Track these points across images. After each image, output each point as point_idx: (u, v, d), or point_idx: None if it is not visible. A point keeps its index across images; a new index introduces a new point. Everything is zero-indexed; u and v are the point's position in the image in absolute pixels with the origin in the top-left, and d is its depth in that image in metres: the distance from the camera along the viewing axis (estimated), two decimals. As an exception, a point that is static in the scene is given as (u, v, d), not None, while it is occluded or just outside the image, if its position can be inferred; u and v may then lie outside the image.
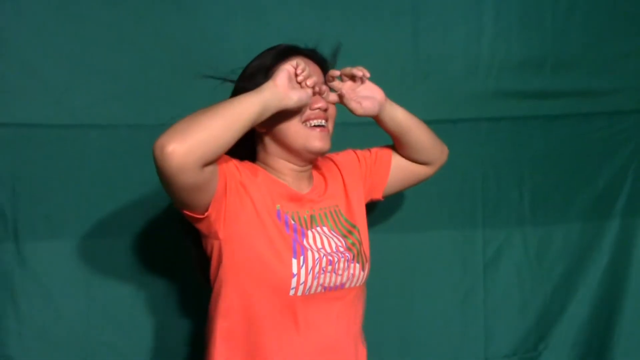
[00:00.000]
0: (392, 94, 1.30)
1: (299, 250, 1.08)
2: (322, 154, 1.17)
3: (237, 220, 1.07)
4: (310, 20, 1.55)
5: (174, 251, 1.43)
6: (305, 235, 1.11)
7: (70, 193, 1.44)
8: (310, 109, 1.14)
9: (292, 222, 1.11)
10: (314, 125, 1.14)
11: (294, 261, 1.06)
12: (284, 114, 1.10)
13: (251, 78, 1.15)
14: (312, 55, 1.19)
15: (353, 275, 1.13)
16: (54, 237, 1.44)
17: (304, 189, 1.19)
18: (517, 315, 1.71)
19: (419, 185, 1.38)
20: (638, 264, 1.71)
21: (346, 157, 1.31)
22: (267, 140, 1.17)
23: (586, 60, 1.72)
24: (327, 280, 1.09)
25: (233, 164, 1.10)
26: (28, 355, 1.42)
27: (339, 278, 1.11)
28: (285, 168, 1.17)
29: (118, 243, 1.48)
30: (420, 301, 1.67)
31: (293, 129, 1.13)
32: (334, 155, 1.30)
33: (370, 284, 1.22)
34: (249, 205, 1.08)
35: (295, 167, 1.18)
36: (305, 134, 1.13)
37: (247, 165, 1.16)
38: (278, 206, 1.11)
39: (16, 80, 1.40)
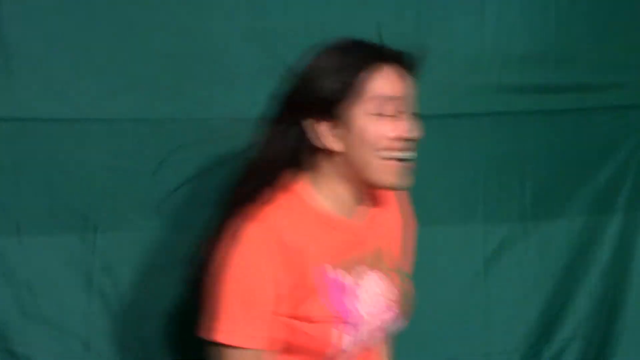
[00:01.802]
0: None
1: (349, 325, 1.01)
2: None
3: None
4: (311, 11, 1.52)
5: (178, 246, 1.42)
6: (357, 297, 1.03)
7: (73, 187, 1.43)
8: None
9: (343, 279, 1.01)
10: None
11: (345, 337, 1.00)
12: (360, 142, 0.99)
13: (319, 80, 0.99)
14: (400, 59, 1.02)
15: (396, 327, 1.11)
16: (57, 232, 1.43)
17: (353, 210, 1.07)
18: (519, 311, 1.71)
19: (419, 181, 1.37)
20: None
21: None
22: (337, 159, 1.01)
23: (589, 55, 1.71)
24: (373, 341, 1.07)
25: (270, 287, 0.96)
26: (31, 348, 1.42)
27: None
28: (343, 187, 1.04)
29: (122, 238, 1.47)
30: (420, 296, 1.66)
31: (369, 159, 0.99)
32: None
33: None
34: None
35: (354, 186, 1.04)
36: (383, 168, 0.99)
37: (269, 248, 0.97)
38: (328, 266, 1.01)
39: (18, 74, 1.38)
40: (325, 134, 0.99)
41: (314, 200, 1.03)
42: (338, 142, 0.99)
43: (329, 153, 1.01)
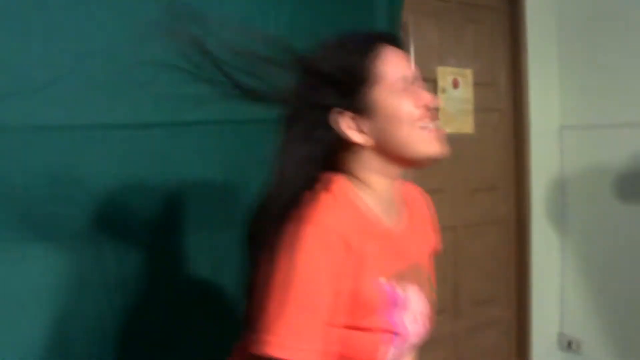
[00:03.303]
0: (119, 95, 1.34)
1: (398, 338, 0.98)
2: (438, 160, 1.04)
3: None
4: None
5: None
6: (405, 310, 1.00)
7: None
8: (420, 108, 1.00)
9: (395, 291, 0.98)
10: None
11: (391, 350, 0.98)
12: (393, 122, 0.98)
13: (335, 71, 0.96)
14: (394, 41, 1.03)
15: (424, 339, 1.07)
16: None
17: (392, 215, 1.05)
18: None
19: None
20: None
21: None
22: (367, 153, 1.00)
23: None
24: (407, 353, 1.06)
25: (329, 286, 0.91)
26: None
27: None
28: (379, 183, 1.02)
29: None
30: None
31: (409, 134, 0.98)
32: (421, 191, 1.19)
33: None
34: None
35: (389, 181, 1.03)
36: (425, 139, 0.99)
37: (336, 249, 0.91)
38: (382, 279, 0.97)
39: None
40: (352, 128, 0.98)
41: (359, 200, 1.00)
42: (365, 135, 0.98)
43: (357, 149, 1.00)
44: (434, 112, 1.01)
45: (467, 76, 2.60)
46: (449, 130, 2.52)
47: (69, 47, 1.48)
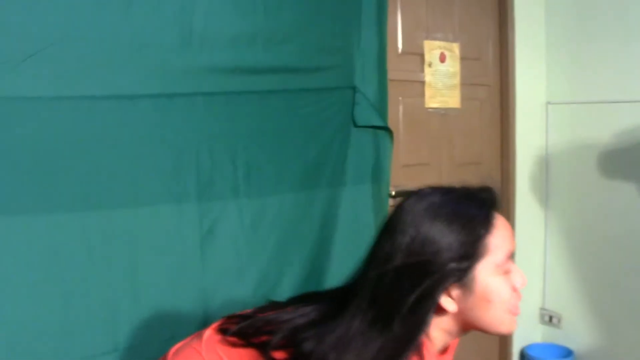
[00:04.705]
0: (106, 66, 1.33)
1: None
2: None
3: None
4: None
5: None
6: None
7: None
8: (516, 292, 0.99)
9: None
10: None
11: None
12: (488, 303, 0.97)
13: (444, 252, 0.94)
14: (498, 206, 1.01)
15: None
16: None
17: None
18: (235, 284, 1.78)
19: (133, 161, 1.49)
20: (341, 229, 1.85)
21: None
22: (447, 317, 1.00)
23: (296, 39, 1.79)
24: None
25: None
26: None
27: None
28: (441, 341, 1.02)
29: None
30: (146, 272, 1.69)
31: (499, 317, 0.98)
32: None
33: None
34: None
35: (450, 339, 1.04)
36: (509, 322, 0.99)
37: None
38: None
39: None
40: (446, 295, 0.97)
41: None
42: (453, 303, 0.97)
43: (440, 312, 0.98)
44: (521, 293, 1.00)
45: (454, 50, 2.58)
46: (435, 104, 2.51)
47: (54, 18, 1.46)
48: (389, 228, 0.98)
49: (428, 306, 0.95)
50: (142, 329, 1.65)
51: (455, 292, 0.97)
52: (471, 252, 0.94)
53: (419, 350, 0.95)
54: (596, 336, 2.75)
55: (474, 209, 0.96)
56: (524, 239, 2.82)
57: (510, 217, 2.81)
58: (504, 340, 2.88)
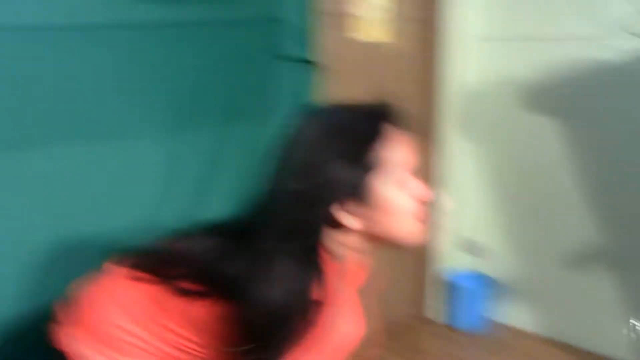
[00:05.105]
0: None
1: None
2: None
3: None
4: None
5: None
6: None
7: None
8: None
9: None
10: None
11: None
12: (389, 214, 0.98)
13: (334, 168, 0.94)
14: (400, 119, 1.00)
15: None
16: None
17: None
18: (155, 219, 1.76)
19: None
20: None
21: None
22: (352, 234, 1.00)
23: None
24: None
25: None
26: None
27: None
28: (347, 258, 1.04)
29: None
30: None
31: (405, 227, 1.00)
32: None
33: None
34: None
35: (357, 256, 1.05)
36: (416, 230, 1.01)
37: None
38: None
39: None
40: (345, 212, 0.96)
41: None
42: (357, 219, 0.97)
43: (342, 229, 0.98)
44: (427, 205, 1.01)
45: (388, -17, 2.56)
46: (368, 38, 2.51)
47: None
48: (281, 152, 1.01)
49: (321, 220, 0.96)
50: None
51: (353, 207, 0.97)
52: (360, 163, 0.95)
53: (321, 269, 0.97)
54: (518, 265, 2.90)
55: (363, 121, 0.97)
56: (450, 171, 2.90)
57: (438, 151, 2.87)
58: (429, 269, 3.00)
